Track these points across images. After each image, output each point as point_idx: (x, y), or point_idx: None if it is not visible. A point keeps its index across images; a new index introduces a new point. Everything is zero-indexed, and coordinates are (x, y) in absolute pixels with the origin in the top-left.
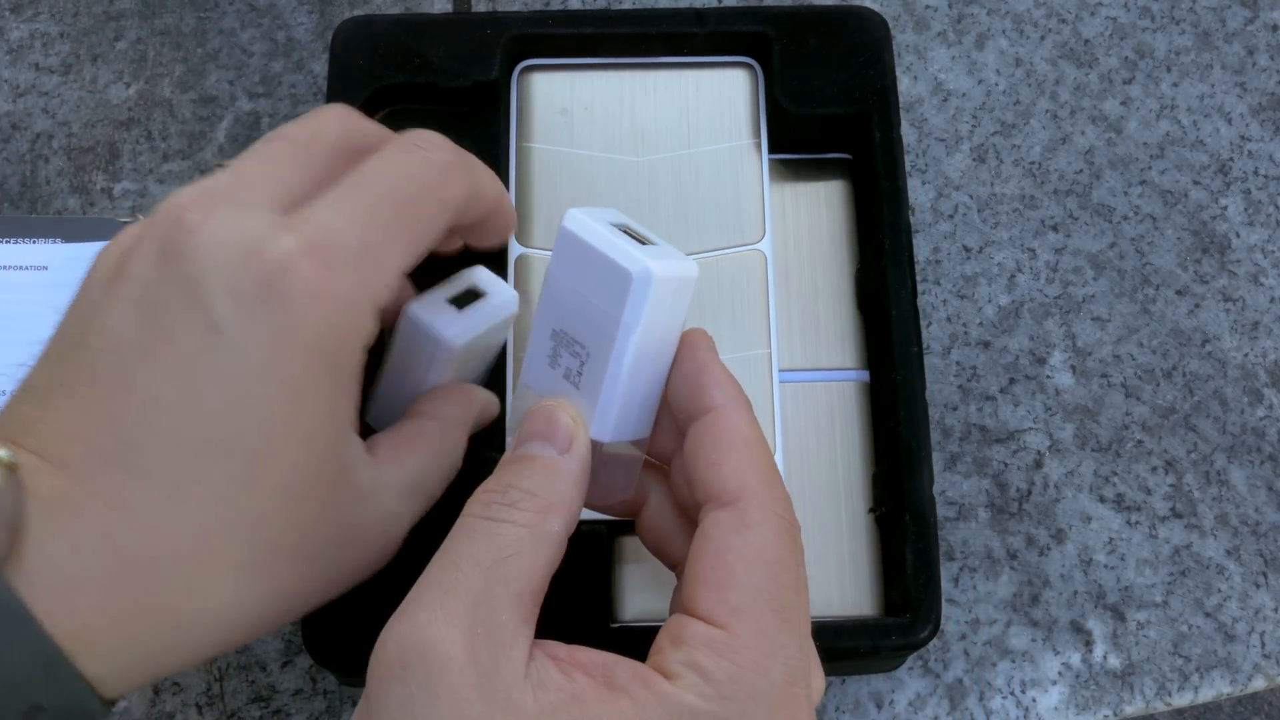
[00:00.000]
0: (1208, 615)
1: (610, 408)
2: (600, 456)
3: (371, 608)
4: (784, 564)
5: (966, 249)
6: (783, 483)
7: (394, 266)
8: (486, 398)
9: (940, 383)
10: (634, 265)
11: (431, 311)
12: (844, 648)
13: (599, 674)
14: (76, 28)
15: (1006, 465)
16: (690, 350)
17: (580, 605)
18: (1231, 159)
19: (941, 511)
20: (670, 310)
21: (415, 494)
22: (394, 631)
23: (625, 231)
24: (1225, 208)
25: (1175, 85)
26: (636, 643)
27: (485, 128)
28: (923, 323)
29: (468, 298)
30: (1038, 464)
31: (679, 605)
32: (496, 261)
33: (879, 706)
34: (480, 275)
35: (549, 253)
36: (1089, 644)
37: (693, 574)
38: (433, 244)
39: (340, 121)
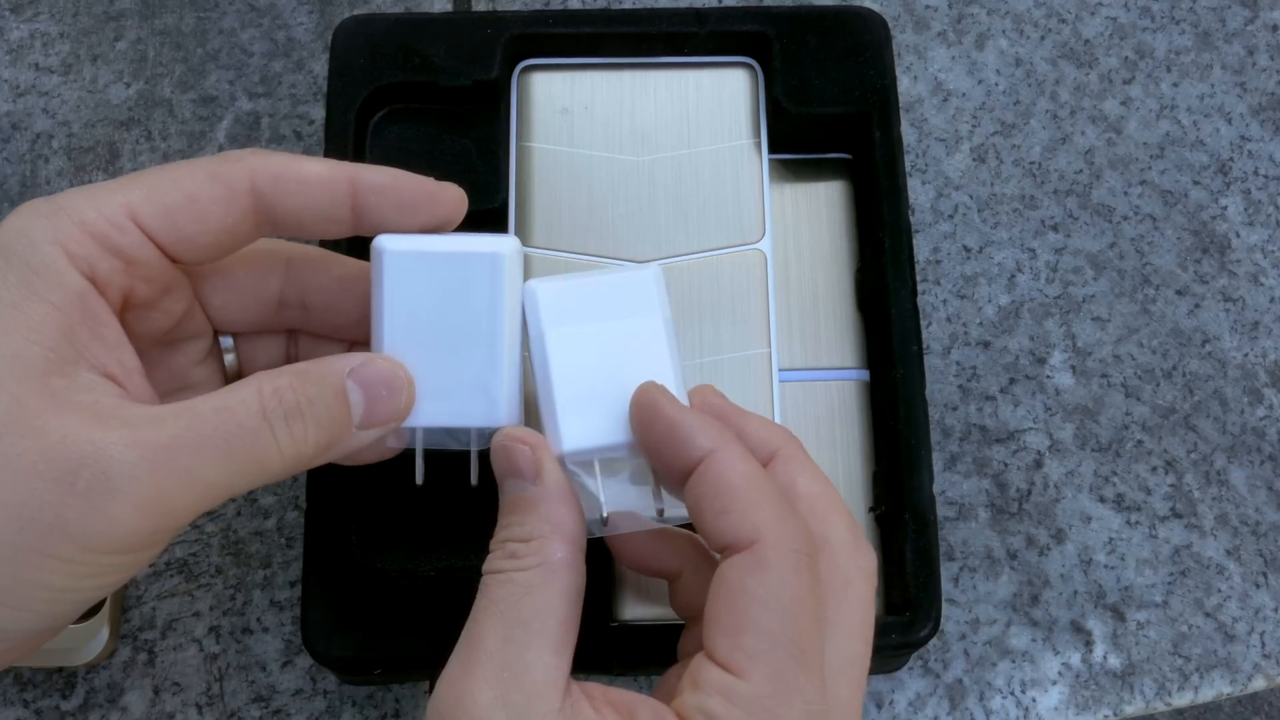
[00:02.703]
0: (1208, 615)
1: (559, 414)
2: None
3: (373, 606)
4: (802, 604)
5: (966, 249)
6: (793, 511)
7: (119, 202)
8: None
9: (940, 383)
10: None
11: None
12: None
13: (625, 712)
14: (76, 28)
15: (1006, 465)
16: (650, 410)
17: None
18: (1231, 159)
19: (941, 511)
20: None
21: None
22: (435, 693)
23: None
24: (1225, 208)
25: (1175, 85)
26: (636, 641)
27: (485, 127)
28: (923, 323)
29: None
30: (1038, 464)
31: (693, 647)
32: None
33: (879, 706)
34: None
35: (549, 253)
36: (1089, 644)
37: (710, 618)
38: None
39: None
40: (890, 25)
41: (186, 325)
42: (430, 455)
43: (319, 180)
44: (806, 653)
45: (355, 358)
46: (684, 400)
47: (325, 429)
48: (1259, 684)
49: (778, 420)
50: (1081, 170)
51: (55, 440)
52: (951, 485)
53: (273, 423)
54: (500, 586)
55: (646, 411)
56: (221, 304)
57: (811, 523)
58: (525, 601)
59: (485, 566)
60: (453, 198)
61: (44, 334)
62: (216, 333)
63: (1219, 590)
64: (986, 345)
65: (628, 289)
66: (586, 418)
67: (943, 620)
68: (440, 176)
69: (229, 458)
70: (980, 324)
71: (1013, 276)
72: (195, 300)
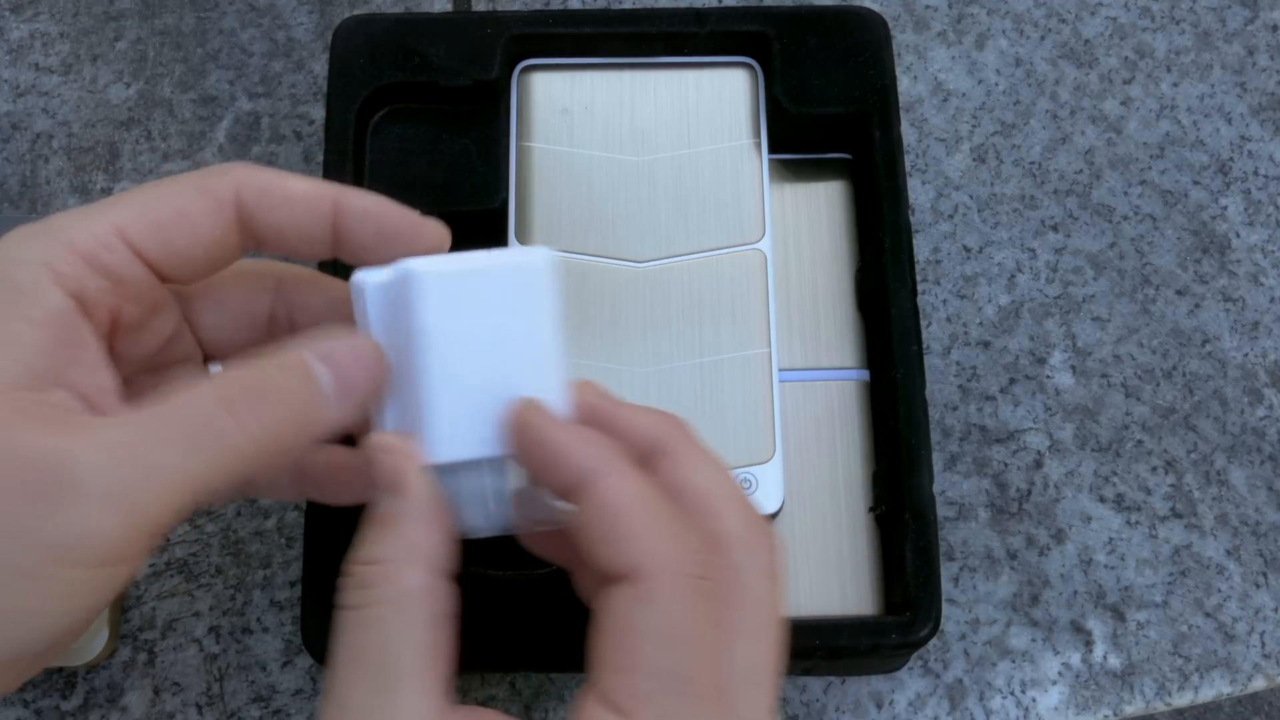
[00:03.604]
0: (1208, 615)
1: (430, 419)
2: (459, 484)
3: None
4: (697, 635)
5: (966, 249)
6: (685, 529)
7: (107, 221)
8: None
9: (940, 383)
10: (406, 268)
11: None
12: (844, 647)
13: None
14: (76, 28)
15: (1006, 465)
16: (527, 432)
17: (572, 606)
18: (1231, 159)
19: (941, 511)
20: (467, 308)
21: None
22: None
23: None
24: (1225, 208)
25: (1175, 85)
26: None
27: (485, 127)
28: (923, 323)
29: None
30: (1038, 464)
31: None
32: None
33: (879, 706)
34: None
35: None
36: (1089, 644)
37: (596, 654)
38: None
39: None
40: (890, 25)
41: (175, 348)
42: None
43: (303, 197)
44: (699, 685)
45: (308, 336)
46: (565, 403)
47: (290, 404)
48: (1259, 684)
49: (777, 421)
50: (1081, 170)
51: (18, 450)
52: (951, 485)
53: (234, 406)
54: (355, 629)
55: (524, 433)
56: (213, 324)
57: (703, 522)
58: (383, 644)
59: (338, 598)
60: (435, 232)
61: (19, 350)
62: (206, 358)
63: (1219, 590)
64: (986, 345)
65: (516, 277)
66: (462, 425)
67: (943, 620)
68: (440, 176)
69: (194, 448)
70: (980, 324)
71: (1013, 276)
72: (184, 322)
